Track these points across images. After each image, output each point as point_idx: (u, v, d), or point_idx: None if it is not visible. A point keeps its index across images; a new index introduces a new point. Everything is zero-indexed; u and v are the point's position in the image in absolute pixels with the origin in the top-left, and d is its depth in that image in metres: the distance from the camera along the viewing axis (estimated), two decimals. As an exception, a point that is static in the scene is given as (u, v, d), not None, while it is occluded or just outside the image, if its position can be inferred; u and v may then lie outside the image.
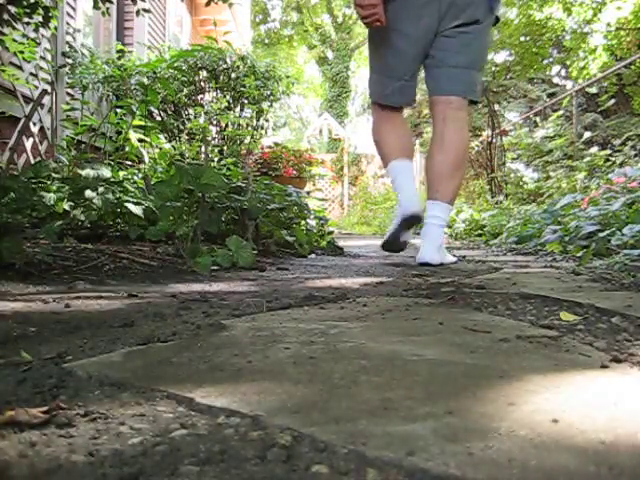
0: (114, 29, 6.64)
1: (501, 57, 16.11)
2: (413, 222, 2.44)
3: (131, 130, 3.51)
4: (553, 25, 12.42)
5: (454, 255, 2.68)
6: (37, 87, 3.92)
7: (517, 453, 0.44)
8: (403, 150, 2.53)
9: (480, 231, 5.60)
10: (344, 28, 22.47)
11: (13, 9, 2.62)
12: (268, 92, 5.79)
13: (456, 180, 2.44)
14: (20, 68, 3.92)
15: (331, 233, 3.87)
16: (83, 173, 2.27)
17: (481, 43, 2.44)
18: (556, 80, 16.24)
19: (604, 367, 0.71)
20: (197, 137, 5.48)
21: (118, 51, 5.07)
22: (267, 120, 6.18)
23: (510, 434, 0.48)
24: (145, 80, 4.84)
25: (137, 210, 2.29)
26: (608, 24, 11.29)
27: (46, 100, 4.02)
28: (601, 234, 2.71)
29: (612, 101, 10.25)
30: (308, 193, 6.34)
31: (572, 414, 0.53)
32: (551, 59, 14.93)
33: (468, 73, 2.41)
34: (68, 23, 4.93)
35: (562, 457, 0.43)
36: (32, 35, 3.63)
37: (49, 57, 4.16)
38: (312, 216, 3.66)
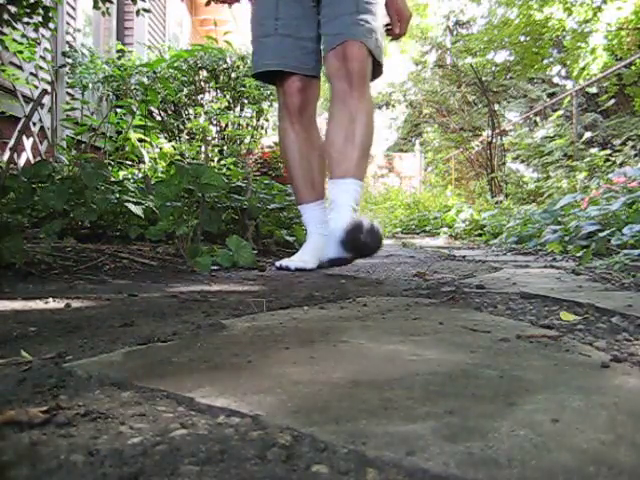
0: (114, 29, 6.64)
1: (501, 57, 16.12)
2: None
3: (131, 130, 3.51)
4: (553, 25, 12.42)
5: None
6: (37, 87, 3.92)
7: (517, 453, 0.44)
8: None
9: (480, 231, 5.60)
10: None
11: (13, 9, 2.62)
12: (268, 92, 5.79)
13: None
14: (20, 68, 3.92)
15: (331, 233, 3.86)
16: (83, 173, 2.27)
17: None
18: (556, 80, 16.24)
19: (604, 367, 0.71)
20: (197, 137, 5.48)
21: (118, 51, 5.07)
22: (267, 120, 6.19)
23: (510, 434, 0.48)
24: (145, 80, 4.83)
25: (137, 210, 2.28)
26: (608, 24, 11.29)
27: (46, 100, 4.02)
28: (601, 234, 2.71)
29: (612, 101, 10.26)
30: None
31: (572, 414, 0.53)
32: (551, 59, 14.92)
33: None
34: (68, 23, 4.93)
35: (562, 457, 0.43)
36: (32, 35, 3.63)
37: (49, 57, 4.16)
38: (312, 216, 3.65)
